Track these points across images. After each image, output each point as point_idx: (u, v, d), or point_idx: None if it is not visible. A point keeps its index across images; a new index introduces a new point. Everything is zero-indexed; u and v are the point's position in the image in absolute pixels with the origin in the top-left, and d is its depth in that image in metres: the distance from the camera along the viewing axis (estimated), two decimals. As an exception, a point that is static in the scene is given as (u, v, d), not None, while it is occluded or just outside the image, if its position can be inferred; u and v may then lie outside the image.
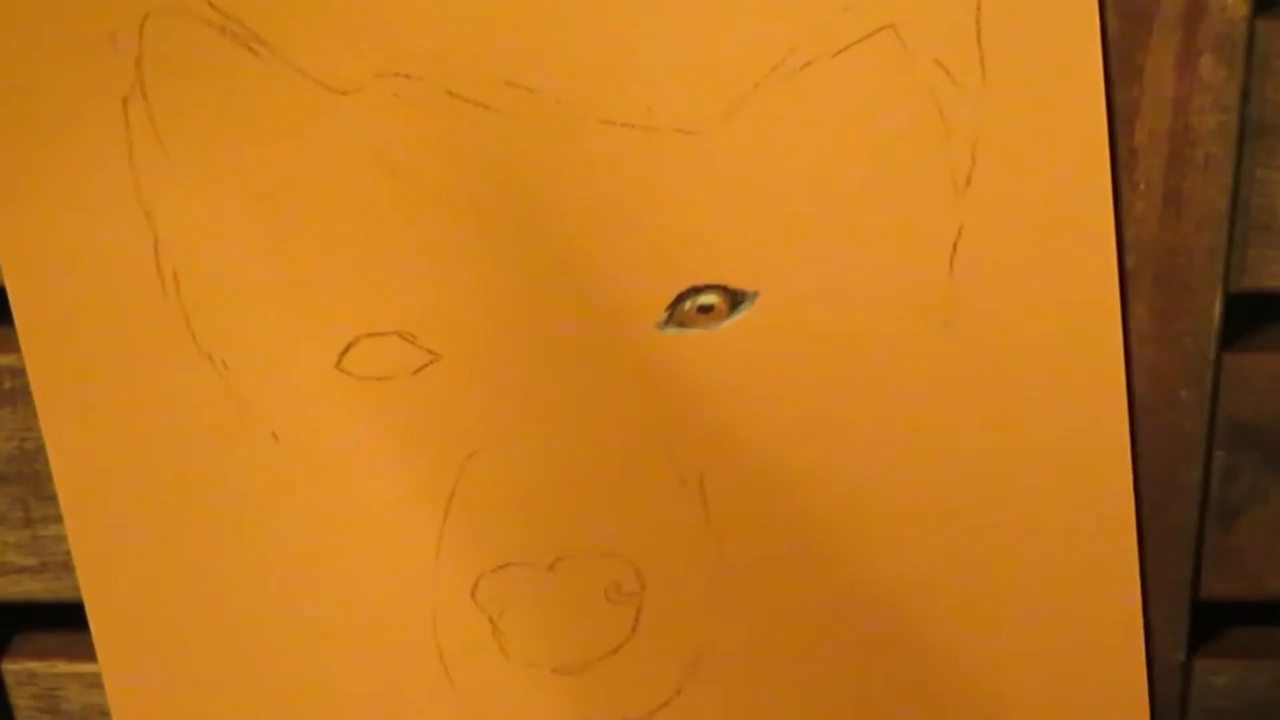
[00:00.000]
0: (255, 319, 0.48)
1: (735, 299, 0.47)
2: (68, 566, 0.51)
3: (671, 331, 0.47)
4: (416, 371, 0.48)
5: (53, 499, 0.51)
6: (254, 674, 0.52)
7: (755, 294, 0.47)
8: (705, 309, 0.47)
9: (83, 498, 0.50)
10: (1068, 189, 0.46)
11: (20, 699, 0.53)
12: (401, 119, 0.46)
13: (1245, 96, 0.46)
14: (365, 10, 0.45)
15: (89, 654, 0.52)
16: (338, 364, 0.48)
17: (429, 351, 0.48)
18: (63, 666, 0.53)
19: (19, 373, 0.50)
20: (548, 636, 0.51)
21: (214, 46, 0.45)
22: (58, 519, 0.51)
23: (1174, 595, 0.51)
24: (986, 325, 0.47)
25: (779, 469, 0.49)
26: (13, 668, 0.53)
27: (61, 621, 0.53)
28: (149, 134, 0.46)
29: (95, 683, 0.53)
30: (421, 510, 0.50)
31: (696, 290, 0.47)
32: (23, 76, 0.46)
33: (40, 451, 0.50)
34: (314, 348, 0.48)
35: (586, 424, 0.48)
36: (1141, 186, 0.47)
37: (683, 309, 0.47)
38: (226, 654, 0.51)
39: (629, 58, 0.45)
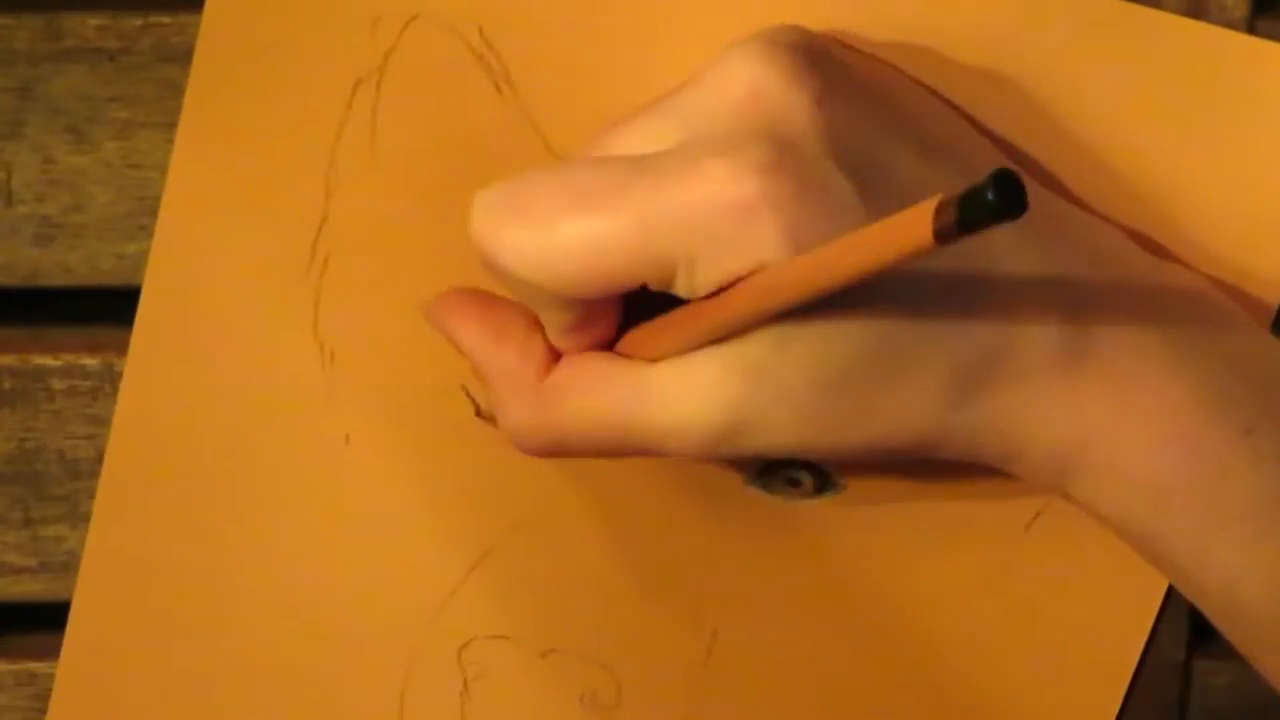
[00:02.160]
0: (379, 328, 0.48)
1: (823, 484, 0.48)
2: (67, 566, 0.51)
3: (753, 491, 0.49)
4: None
5: (53, 499, 0.51)
6: (214, 662, 0.51)
7: (843, 486, 0.49)
8: (793, 482, 0.48)
9: (133, 442, 0.49)
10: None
11: (20, 699, 0.53)
12: None
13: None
14: (615, 95, 0.46)
15: (89, 654, 0.52)
16: (439, 390, 0.49)
17: None
18: (63, 667, 0.53)
19: (19, 373, 0.50)
20: (512, 718, 0.51)
21: (465, 69, 0.47)
22: (58, 519, 0.51)
23: (1174, 595, 0.51)
24: (1035, 592, 0.50)
25: (796, 654, 0.50)
26: (12, 668, 0.53)
27: (61, 621, 0.53)
28: (366, 120, 0.47)
29: (95, 683, 0.53)
30: (449, 558, 0.50)
31: (793, 463, 0.48)
32: (276, 22, 0.46)
33: (40, 451, 0.51)
34: (423, 374, 0.49)
35: (632, 541, 0.50)
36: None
37: (773, 474, 0.48)
38: (189, 637, 0.51)
39: None
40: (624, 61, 0.46)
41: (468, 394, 0.49)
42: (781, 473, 0.48)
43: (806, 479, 0.48)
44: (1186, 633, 0.53)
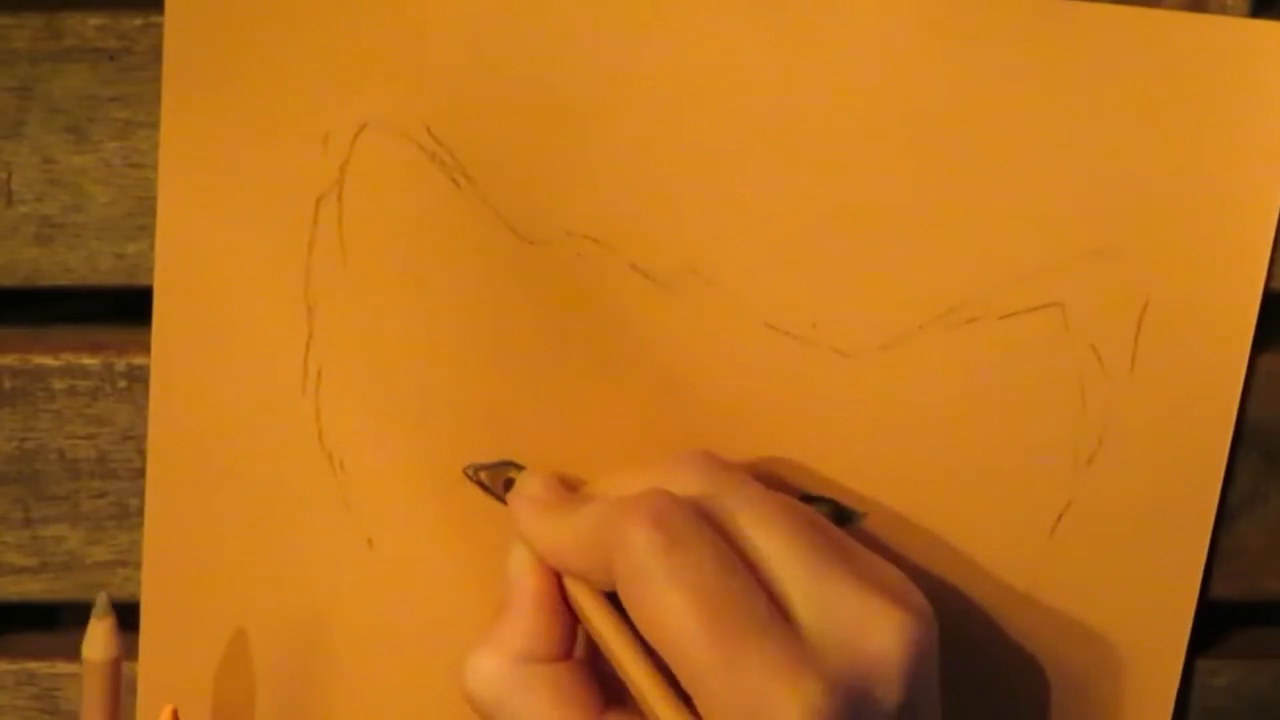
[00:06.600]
0: (382, 430, 0.49)
1: (841, 517, 0.49)
2: (67, 566, 0.52)
3: None
4: None
5: (52, 499, 0.51)
6: None
7: (863, 515, 0.49)
8: None
9: (166, 562, 0.51)
10: (1178, 492, 0.49)
11: (20, 699, 0.53)
12: (580, 279, 0.48)
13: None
14: (570, 171, 0.47)
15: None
16: (449, 489, 0.50)
17: None
18: (63, 666, 0.53)
19: (19, 372, 0.50)
20: None
21: (420, 169, 0.47)
22: (58, 519, 0.51)
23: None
24: (1068, 600, 0.50)
25: None
26: (12, 668, 0.53)
27: (61, 622, 0.53)
28: (334, 235, 0.48)
29: (95, 683, 0.53)
30: None
31: (809, 499, 0.49)
32: (232, 153, 0.47)
33: (40, 451, 0.51)
34: (432, 468, 0.49)
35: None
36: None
37: None
38: None
39: (809, 273, 0.48)
40: (574, 140, 0.47)
41: (475, 478, 0.49)
42: None
43: (824, 511, 0.48)
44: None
